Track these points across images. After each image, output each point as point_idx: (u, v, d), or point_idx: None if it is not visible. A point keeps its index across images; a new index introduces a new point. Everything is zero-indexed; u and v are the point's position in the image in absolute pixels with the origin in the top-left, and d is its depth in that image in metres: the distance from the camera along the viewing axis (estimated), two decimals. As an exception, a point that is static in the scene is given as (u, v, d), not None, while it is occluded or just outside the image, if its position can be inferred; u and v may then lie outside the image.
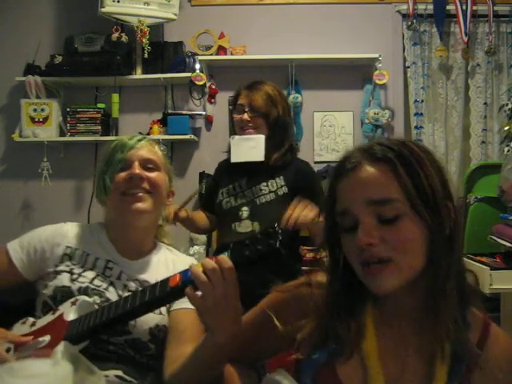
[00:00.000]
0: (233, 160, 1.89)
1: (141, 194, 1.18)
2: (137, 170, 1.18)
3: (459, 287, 0.80)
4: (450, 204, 0.80)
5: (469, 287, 0.83)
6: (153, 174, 1.21)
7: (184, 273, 0.92)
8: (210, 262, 0.86)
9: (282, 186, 1.88)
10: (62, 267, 1.18)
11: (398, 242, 0.76)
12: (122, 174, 1.18)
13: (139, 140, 1.23)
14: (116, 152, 1.20)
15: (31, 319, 1.11)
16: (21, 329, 1.08)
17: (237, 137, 1.90)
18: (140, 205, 1.18)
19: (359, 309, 0.83)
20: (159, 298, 0.95)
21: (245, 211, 1.85)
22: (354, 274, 0.81)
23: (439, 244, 0.78)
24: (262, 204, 1.86)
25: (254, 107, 1.90)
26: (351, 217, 0.79)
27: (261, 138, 1.88)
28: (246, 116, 1.89)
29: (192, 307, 1.12)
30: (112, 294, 1.15)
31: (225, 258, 0.88)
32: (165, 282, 0.95)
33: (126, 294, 1.16)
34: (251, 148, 1.87)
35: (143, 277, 1.21)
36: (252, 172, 1.90)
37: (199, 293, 0.87)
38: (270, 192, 1.88)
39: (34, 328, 1.07)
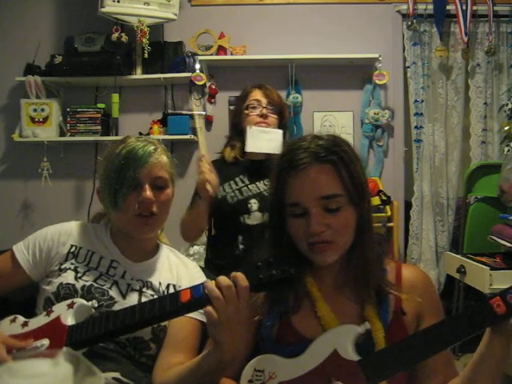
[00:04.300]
0: (249, 149, 1.90)
1: (150, 218, 1.18)
2: (148, 192, 1.16)
3: (375, 248, 1.03)
4: (368, 190, 1.02)
5: (380, 245, 1.06)
6: (162, 195, 1.20)
7: (195, 289, 0.93)
8: (226, 280, 0.89)
9: None
10: (66, 265, 1.18)
11: (340, 226, 0.96)
12: (134, 196, 1.16)
13: (150, 153, 1.19)
14: (128, 169, 1.16)
15: (21, 318, 1.09)
16: (10, 328, 1.06)
17: (254, 127, 1.91)
18: (148, 228, 1.20)
19: (299, 271, 0.99)
20: (169, 313, 0.96)
21: (254, 203, 1.87)
22: (293, 249, 1.00)
23: (364, 223, 1.00)
24: None
25: (273, 103, 1.97)
26: (302, 207, 0.97)
27: (279, 133, 1.93)
28: (265, 111, 1.94)
29: (194, 316, 1.14)
30: (116, 293, 1.16)
31: (241, 275, 0.89)
32: (175, 296, 0.95)
33: (130, 293, 1.17)
34: (269, 140, 1.90)
35: (147, 278, 1.21)
36: (251, 169, 1.93)
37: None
38: None
39: (26, 329, 1.05)
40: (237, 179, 1.93)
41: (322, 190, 0.95)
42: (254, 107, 1.95)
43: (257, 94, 1.97)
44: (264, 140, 1.90)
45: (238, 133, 1.99)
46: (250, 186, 1.91)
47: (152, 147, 1.20)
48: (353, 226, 0.98)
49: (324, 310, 0.99)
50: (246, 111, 1.96)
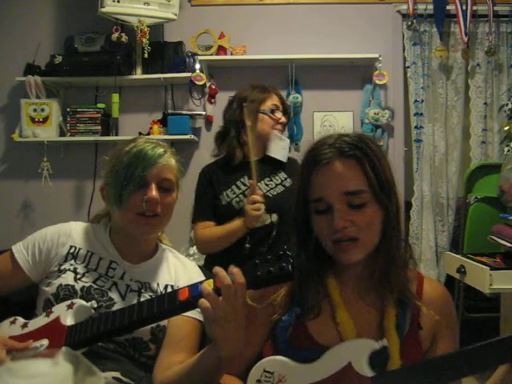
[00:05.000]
0: (272, 154, 1.95)
1: (152, 219, 1.18)
2: (153, 192, 1.16)
3: (401, 252, 1.00)
4: (395, 190, 0.99)
5: (406, 252, 1.02)
6: (167, 198, 1.20)
7: (193, 287, 0.93)
8: (227, 278, 0.88)
9: (285, 179, 1.96)
10: (65, 266, 1.18)
11: (364, 224, 0.94)
12: (139, 195, 1.16)
13: (160, 155, 1.19)
14: (137, 166, 1.16)
15: (21, 319, 1.09)
16: (10, 329, 1.06)
17: (276, 133, 1.96)
18: (148, 228, 1.20)
19: (322, 276, 1.00)
20: (167, 311, 0.96)
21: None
22: (317, 247, 0.99)
23: (391, 222, 0.97)
24: (275, 196, 1.91)
25: (287, 111, 2.05)
26: (325, 203, 0.95)
27: (288, 142, 2.01)
28: (284, 119, 2.00)
29: (193, 316, 1.14)
30: (115, 294, 1.16)
31: (239, 272, 0.89)
32: (173, 295, 0.95)
33: (129, 294, 1.17)
34: (282, 148, 1.97)
35: (146, 280, 1.21)
36: (249, 170, 1.91)
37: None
38: (277, 185, 1.93)
39: (26, 330, 1.05)
40: (238, 183, 1.93)
41: (346, 186, 0.94)
42: (271, 112, 1.97)
43: (275, 99, 2.00)
44: (279, 147, 1.95)
45: (245, 131, 1.96)
46: None
47: (162, 149, 1.21)
48: (378, 225, 0.96)
49: (343, 317, 0.97)
50: (269, 114, 1.97)
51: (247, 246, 1.86)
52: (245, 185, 1.92)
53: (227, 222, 1.89)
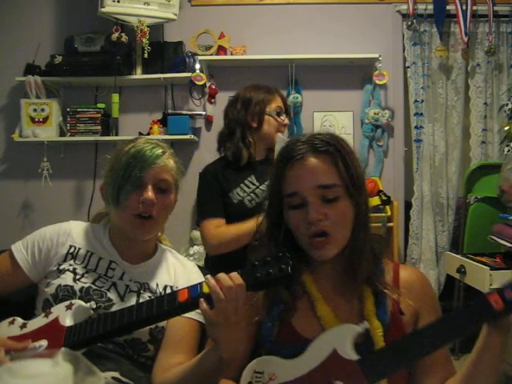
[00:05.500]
0: None
1: (148, 220, 1.18)
2: (149, 193, 1.16)
3: (372, 246, 1.03)
4: (365, 187, 1.02)
5: (378, 245, 1.06)
6: (164, 199, 1.20)
7: (193, 288, 0.93)
8: (227, 280, 0.90)
9: None
10: (65, 266, 1.18)
11: (337, 217, 0.97)
12: (136, 196, 1.16)
13: (158, 156, 1.19)
14: (134, 168, 1.16)
15: (20, 320, 1.09)
16: (9, 330, 1.06)
17: (281, 136, 1.97)
18: (144, 230, 1.19)
19: (298, 273, 1.00)
20: (167, 312, 0.96)
21: None
22: (292, 245, 1.00)
23: (361, 217, 1.00)
24: None
25: (289, 112, 2.08)
26: (299, 198, 0.97)
27: None
28: (287, 121, 2.02)
29: (192, 317, 1.14)
30: (114, 295, 1.16)
31: (236, 275, 0.90)
32: (172, 296, 0.96)
33: (128, 295, 1.17)
34: None
35: (145, 280, 1.21)
36: (256, 168, 1.93)
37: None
38: None
39: (25, 330, 1.05)
40: (246, 182, 1.91)
41: (319, 180, 0.96)
42: (278, 114, 1.98)
43: (279, 101, 2.01)
44: None
45: (251, 132, 1.96)
46: (261, 187, 1.89)
47: (160, 150, 1.20)
48: (350, 219, 0.99)
49: (324, 311, 0.99)
50: (275, 117, 1.97)
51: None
52: (253, 184, 1.90)
53: (238, 220, 1.83)
